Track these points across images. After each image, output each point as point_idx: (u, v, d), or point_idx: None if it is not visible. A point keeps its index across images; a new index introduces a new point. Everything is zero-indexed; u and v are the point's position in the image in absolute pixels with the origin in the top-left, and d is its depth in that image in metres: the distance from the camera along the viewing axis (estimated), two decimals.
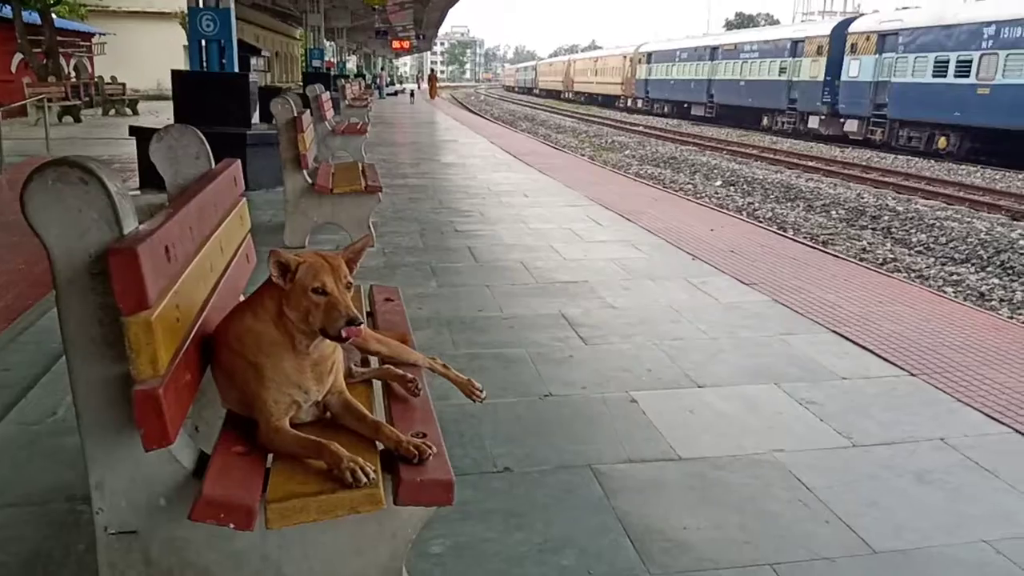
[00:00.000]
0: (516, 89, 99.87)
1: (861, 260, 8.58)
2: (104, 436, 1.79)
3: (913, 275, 9.16)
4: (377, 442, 1.96)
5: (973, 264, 9.99)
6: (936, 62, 22.86)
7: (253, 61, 15.35)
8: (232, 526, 1.71)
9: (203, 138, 2.71)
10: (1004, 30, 20.40)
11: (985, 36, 20.98)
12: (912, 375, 3.92)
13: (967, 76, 21.71)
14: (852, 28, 27.63)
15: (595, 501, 2.78)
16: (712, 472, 2.98)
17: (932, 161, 22.21)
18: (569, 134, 30.18)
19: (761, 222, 10.82)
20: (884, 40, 25.52)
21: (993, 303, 8.04)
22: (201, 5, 9.80)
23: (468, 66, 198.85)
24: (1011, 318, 6.68)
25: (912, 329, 4.60)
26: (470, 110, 42.37)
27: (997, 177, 19.01)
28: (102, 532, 1.84)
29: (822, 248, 7.40)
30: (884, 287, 5.58)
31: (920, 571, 2.41)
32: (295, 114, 6.37)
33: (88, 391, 1.76)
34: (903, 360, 4.10)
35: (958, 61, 22.03)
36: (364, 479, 1.76)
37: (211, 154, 2.72)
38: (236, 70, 10.17)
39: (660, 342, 4.36)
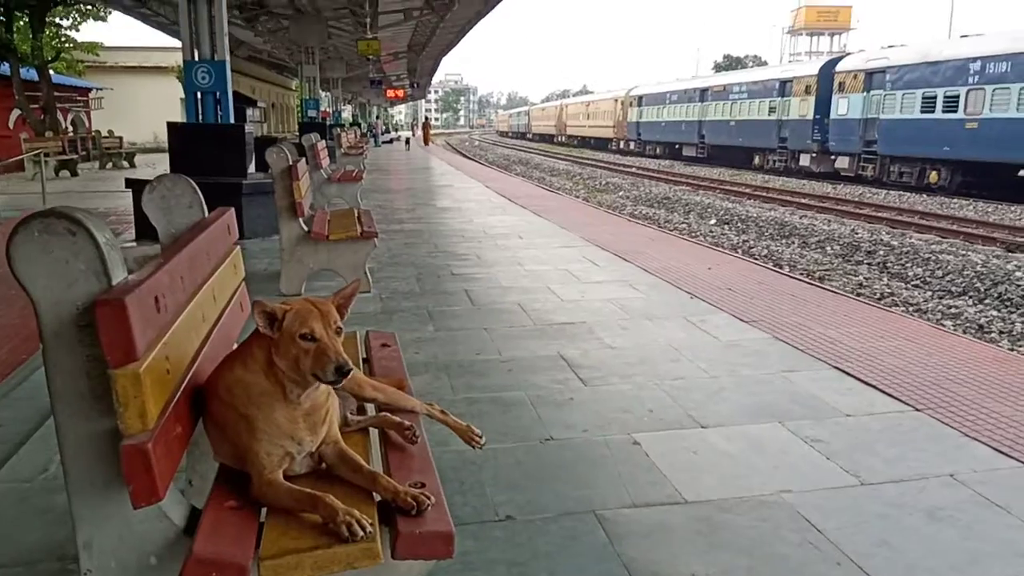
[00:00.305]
0: (510, 134, 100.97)
1: (858, 295, 8.57)
2: (92, 493, 1.73)
3: (911, 309, 9.13)
4: (374, 493, 1.90)
5: (971, 297, 9.98)
6: (924, 98, 23.17)
7: (249, 112, 15.50)
8: None
9: (196, 187, 2.70)
10: (989, 65, 20.72)
11: (971, 72, 21.30)
12: (917, 410, 3.87)
13: (955, 111, 21.99)
14: (839, 67, 28.06)
15: (599, 548, 2.71)
16: (719, 515, 2.91)
17: (924, 196, 22.38)
18: (563, 176, 30.41)
19: (757, 259, 10.83)
20: (871, 78, 25.90)
21: (993, 335, 8.01)
22: (196, 58, 9.90)
23: (462, 112, 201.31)
24: (1012, 350, 6.64)
25: (915, 364, 4.56)
26: (465, 155, 42.74)
27: (990, 210, 19.14)
28: None
29: (819, 284, 7.38)
30: (884, 322, 5.55)
31: None
32: (291, 162, 6.39)
33: (76, 446, 1.71)
34: (907, 395, 4.05)
35: (945, 96, 22.33)
36: (361, 532, 1.70)
37: (204, 203, 2.71)
38: (232, 121, 10.24)
39: (661, 382, 4.31)
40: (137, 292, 1.66)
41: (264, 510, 1.89)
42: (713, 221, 17.60)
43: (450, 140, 78.44)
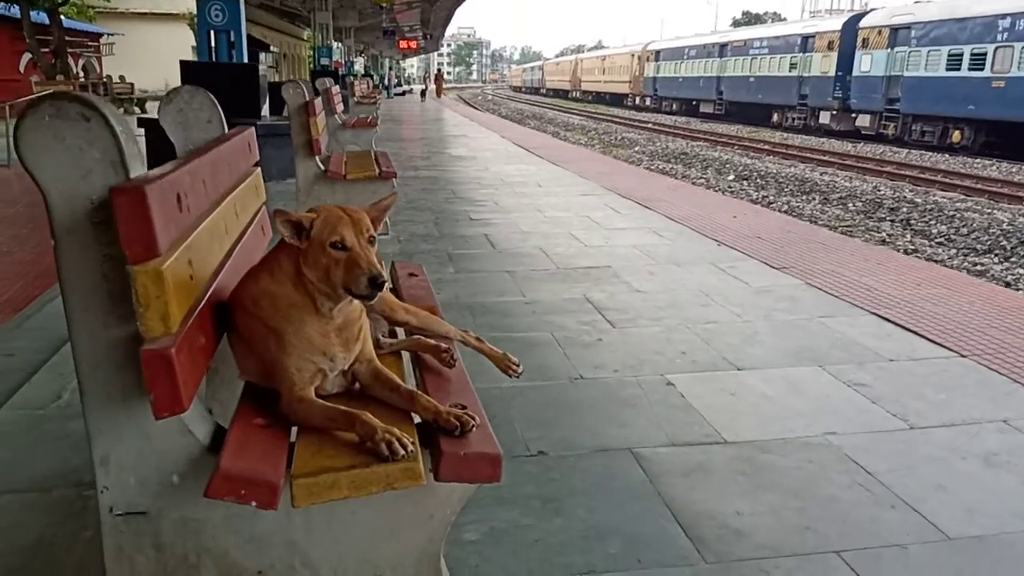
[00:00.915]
0: (523, 89, 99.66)
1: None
2: (110, 406, 1.60)
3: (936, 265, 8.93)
4: (413, 414, 1.76)
5: (996, 254, 9.76)
6: (950, 55, 22.57)
7: (262, 56, 15.19)
8: (254, 504, 1.51)
9: (215, 101, 2.53)
10: (1020, 22, 20.11)
11: (1000, 28, 20.70)
12: (963, 356, 3.71)
13: (981, 69, 21.43)
14: (863, 23, 27.35)
15: (638, 486, 2.58)
16: (761, 456, 2.78)
17: (946, 155, 21.92)
18: (578, 131, 29.96)
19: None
20: (896, 34, 25.24)
21: (1021, 292, 7.81)
22: None
23: (475, 67, 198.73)
24: None
25: (956, 311, 4.39)
26: (478, 108, 42.20)
27: (1014, 170, 18.72)
28: (107, 513, 1.65)
29: (850, 235, 7.17)
30: (920, 271, 5.37)
31: (1000, 558, 2.21)
32: (307, 98, 6.19)
33: (92, 355, 1.57)
34: (951, 341, 3.88)
35: (972, 54, 21.74)
36: (401, 451, 1.56)
37: (224, 119, 2.54)
38: (246, 62, 10.01)
39: (692, 325, 4.16)
40: (159, 184, 1.50)
41: (295, 430, 1.75)
42: (732, 177, 17.29)
43: (462, 94, 77.50)
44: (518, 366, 2.30)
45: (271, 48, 22.42)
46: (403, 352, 2.20)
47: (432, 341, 2.12)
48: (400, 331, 2.30)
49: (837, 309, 4.44)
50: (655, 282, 5.03)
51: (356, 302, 1.83)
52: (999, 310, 4.42)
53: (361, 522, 1.68)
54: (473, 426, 1.67)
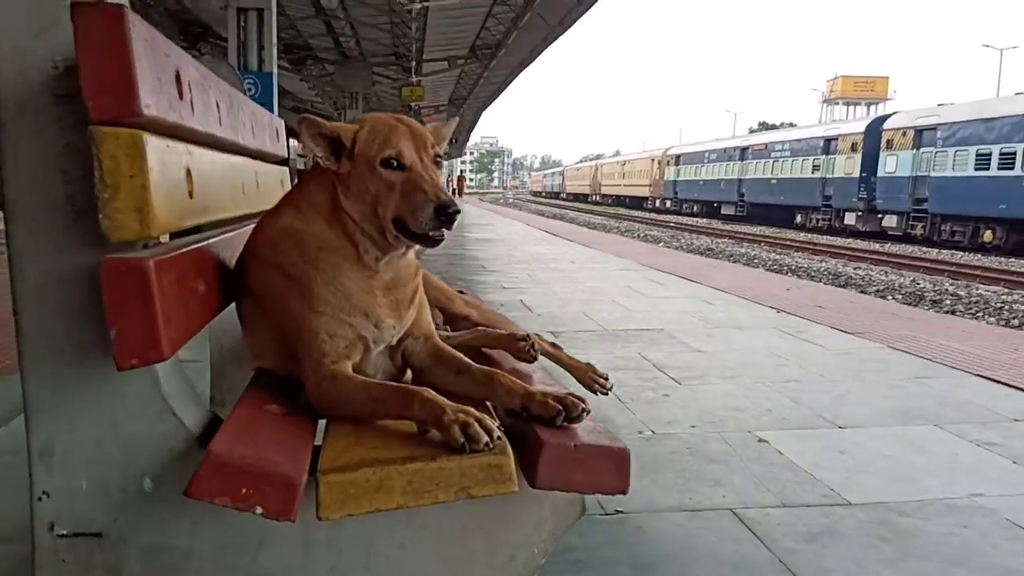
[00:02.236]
0: (544, 194, 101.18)
1: None
2: (59, 370, 1.10)
3: None
4: (492, 404, 1.25)
5: None
6: (978, 155, 22.43)
7: (292, 143, 15.20)
8: (259, 511, 0.98)
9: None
10: None
11: None
12: None
13: (1011, 168, 21.20)
14: (887, 124, 27.47)
15: (750, 551, 2.00)
16: (900, 520, 2.19)
17: (978, 255, 21.44)
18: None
19: None
20: (921, 135, 25.24)
21: None
22: (243, 69, 9.56)
23: (496, 174, 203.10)
24: None
25: None
26: (499, 204, 42.54)
27: None
28: (45, 533, 1.12)
29: (916, 305, 6.63)
30: (1011, 338, 4.80)
31: None
32: None
33: (39, 293, 1.09)
34: None
35: (1002, 153, 21.58)
36: (485, 437, 1.04)
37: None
38: None
39: (771, 384, 3.60)
40: (148, 31, 1.05)
41: (321, 425, 1.24)
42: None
43: (483, 199, 78.65)
44: (607, 379, 1.78)
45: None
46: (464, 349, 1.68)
47: (504, 331, 1.61)
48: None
49: (934, 371, 3.88)
50: (716, 344, 4.49)
51: (411, 255, 1.34)
52: None
53: (409, 563, 1.14)
54: (584, 411, 1.14)
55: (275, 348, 1.34)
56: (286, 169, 2.49)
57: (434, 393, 1.13)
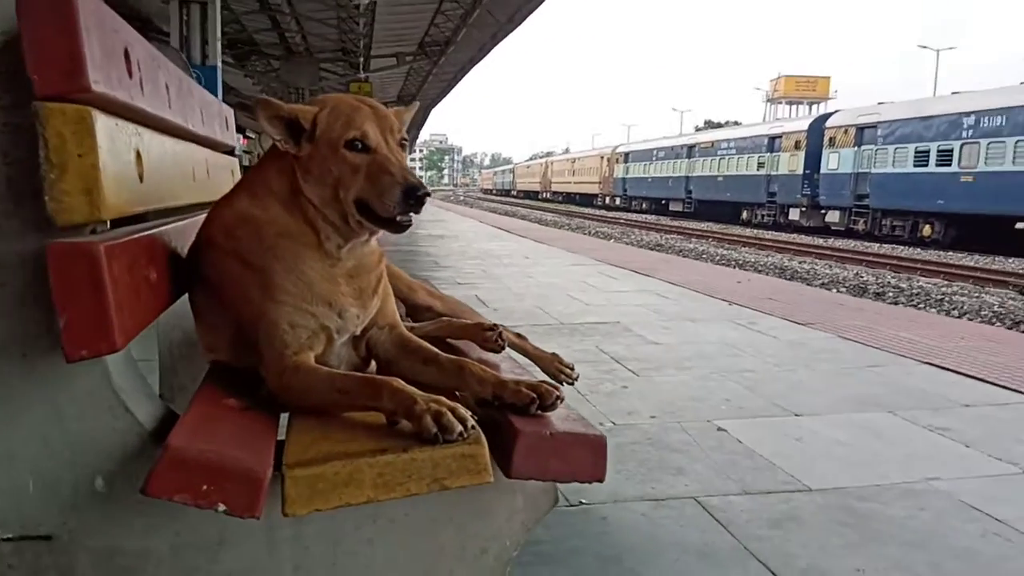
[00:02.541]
0: (494, 191, 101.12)
1: None
2: (2, 362, 1.03)
3: None
4: (461, 393, 1.21)
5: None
6: (917, 152, 23.07)
7: (238, 137, 14.89)
8: (221, 508, 0.93)
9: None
10: (984, 119, 20.67)
11: (965, 126, 21.24)
12: None
13: (949, 165, 21.86)
14: (830, 123, 28.07)
15: (715, 538, 2.00)
16: (860, 504, 2.21)
17: (918, 249, 22.07)
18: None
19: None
20: (863, 133, 25.86)
21: None
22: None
23: (446, 171, 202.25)
24: None
25: (1014, 360, 3.92)
26: (451, 202, 42.39)
27: (987, 261, 18.79)
28: None
29: (864, 297, 6.78)
30: (956, 327, 4.94)
31: None
32: None
33: None
34: None
35: (939, 150, 22.23)
36: (458, 427, 1.00)
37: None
38: None
39: (727, 374, 3.63)
40: (98, 14, 0.99)
41: (284, 417, 1.19)
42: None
43: (434, 196, 78.28)
44: (572, 369, 1.76)
45: (247, 132, 22.29)
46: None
47: (469, 321, 1.58)
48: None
49: (885, 359, 3.95)
50: (672, 336, 4.52)
51: (374, 242, 1.30)
52: None
53: (378, 559, 1.10)
54: (558, 398, 1.12)
55: (232, 340, 1.28)
56: (236, 159, 2.41)
57: (403, 383, 1.08)
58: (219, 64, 9.46)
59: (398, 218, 1.18)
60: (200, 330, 1.35)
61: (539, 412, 1.11)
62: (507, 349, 1.60)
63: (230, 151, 2.42)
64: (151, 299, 1.13)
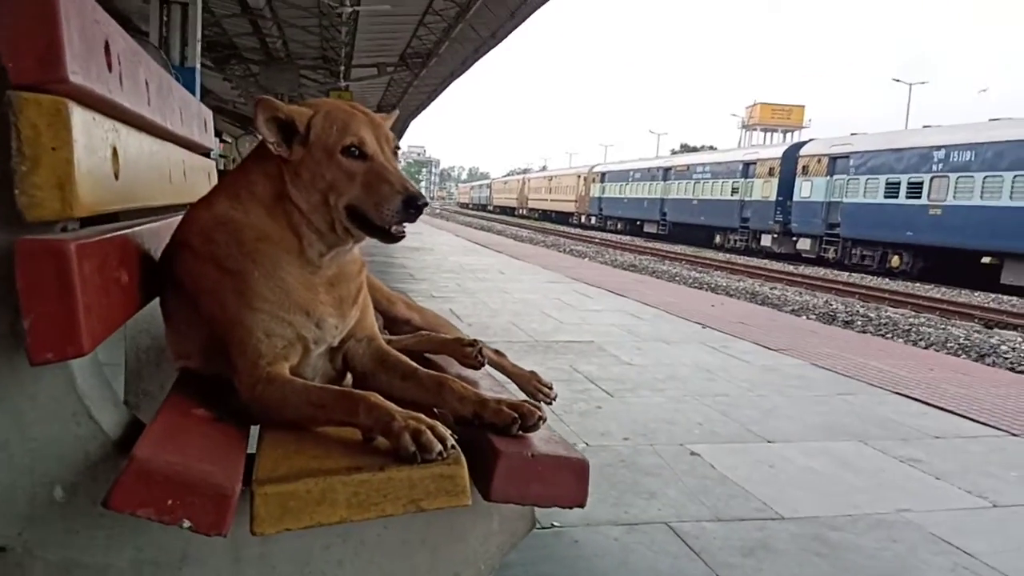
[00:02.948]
0: (471, 206, 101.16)
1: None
2: None
3: None
4: (440, 411, 1.17)
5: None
6: (887, 183, 23.44)
7: (215, 141, 14.74)
8: (187, 524, 0.89)
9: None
10: (953, 154, 21.08)
11: (935, 159, 21.64)
12: (1015, 435, 3.24)
13: (918, 197, 22.24)
14: (803, 151, 28.47)
15: (686, 565, 1.98)
16: (832, 534, 2.20)
17: (887, 279, 22.38)
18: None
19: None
20: (835, 162, 26.25)
21: None
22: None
23: (423, 184, 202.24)
24: None
25: (981, 393, 3.96)
26: (427, 215, 42.29)
27: (954, 294, 19.11)
28: None
29: (836, 325, 6.84)
30: (924, 358, 4.99)
31: None
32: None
33: None
34: (996, 420, 3.43)
35: (909, 183, 22.61)
36: (438, 446, 0.97)
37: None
38: None
39: (701, 398, 3.62)
40: (78, 1, 0.95)
41: (255, 430, 1.15)
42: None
43: None
44: (551, 388, 1.73)
45: (223, 137, 22.04)
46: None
47: (448, 336, 1.54)
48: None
49: (856, 388, 3.97)
50: (646, 357, 4.51)
51: (356, 251, 1.26)
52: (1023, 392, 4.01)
53: (359, 570, 1.06)
54: (540, 419, 1.09)
55: (203, 347, 1.24)
56: (213, 162, 2.37)
57: (381, 398, 1.05)
58: (198, 66, 9.36)
59: (393, 228, 1.15)
60: (170, 336, 1.30)
61: (520, 433, 1.08)
62: (495, 360, 1.57)
63: (207, 153, 2.37)
64: (121, 302, 1.08)
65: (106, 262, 1.01)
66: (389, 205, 1.13)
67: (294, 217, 1.19)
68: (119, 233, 1.09)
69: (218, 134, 19.38)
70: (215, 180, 2.30)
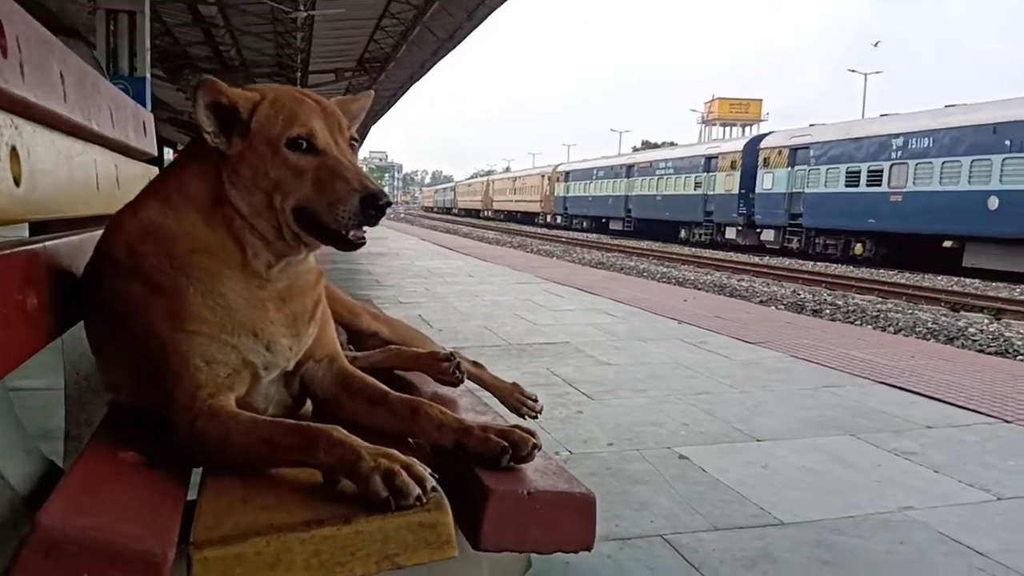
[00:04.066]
0: (435, 209, 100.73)
1: None
2: None
3: None
4: (415, 440, 1.01)
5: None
6: (848, 172, 23.68)
7: (168, 153, 14.38)
8: None
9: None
10: (911, 141, 21.34)
11: (894, 147, 21.89)
12: (1007, 422, 3.16)
13: (879, 184, 22.48)
14: (764, 143, 28.69)
15: None
16: (837, 539, 2.08)
17: (850, 267, 22.59)
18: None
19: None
20: (795, 153, 26.47)
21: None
22: (113, 74, 8.91)
23: (387, 189, 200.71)
24: None
25: (967, 379, 3.89)
26: (391, 219, 41.97)
27: (918, 279, 19.34)
28: None
29: (812, 315, 6.78)
30: (905, 345, 4.93)
31: None
32: None
33: None
34: (986, 407, 3.34)
35: (869, 171, 22.85)
36: (415, 490, 0.81)
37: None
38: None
39: (684, 397, 3.50)
40: None
41: (196, 476, 0.97)
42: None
43: None
44: (536, 401, 1.58)
45: (178, 147, 21.56)
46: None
47: (421, 350, 1.38)
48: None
49: (840, 379, 3.88)
50: (623, 356, 4.38)
51: (311, 259, 1.10)
52: (1014, 378, 3.94)
53: None
54: (535, 447, 0.93)
55: (134, 377, 1.06)
56: (155, 168, 2.17)
57: (344, 432, 0.89)
58: (148, 75, 9.07)
59: (351, 233, 0.98)
60: (99, 364, 1.12)
61: (512, 464, 0.92)
62: (474, 372, 1.41)
63: (152, 160, 2.18)
64: (28, 330, 0.90)
65: (5, 285, 0.84)
66: (344, 205, 0.96)
67: (235, 223, 1.02)
68: (22, 249, 0.92)
69: (172, 144, 18.93)
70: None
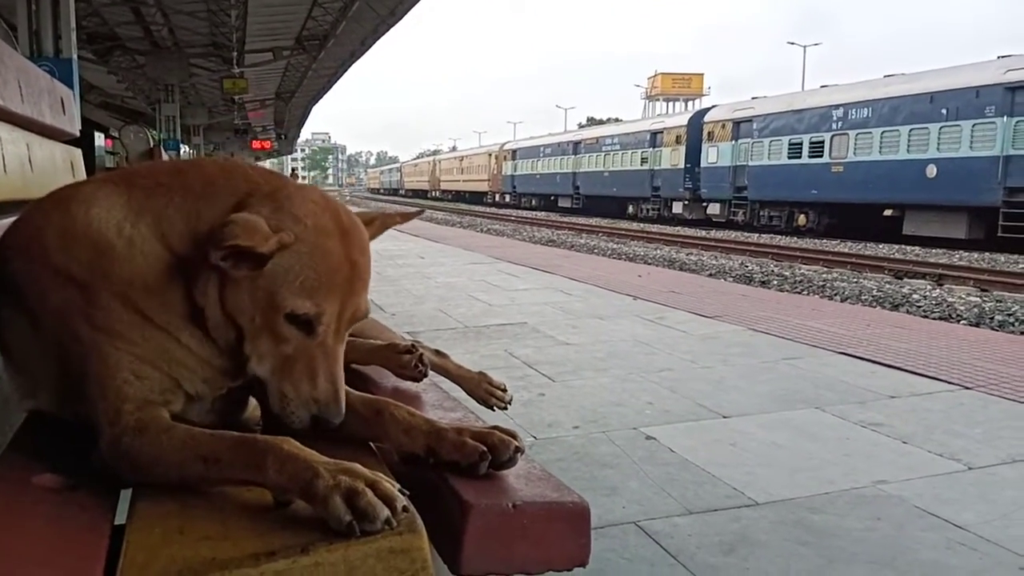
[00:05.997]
0: (381, 191, 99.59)
1: None
2: None
3: None
4: (379, 446, 0.89)
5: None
6: (790, 144, 23.99)
7: (98, 137, 13.75)
8: None
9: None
10: (851, 112, 21.69)
11: (835, 118, 22.23)
12: (967, 388, 3.16)
13: (820, 156, 22.84)
14: (708, 117, 28.90)
15: (667, 572, 1.76)
16: (814, 518, 2.02)
17: (795, 238, 22.97)
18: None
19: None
20: (739, 127, 26.72)
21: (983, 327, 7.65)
22: (38, 54, 8.45)
23: (331, 171, 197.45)
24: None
25: (924, 347, 3.91)
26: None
27: (860, 248, 19.74)
28: None
29: (764, 287, 6.82)
30: (861, 313, 4.96)
31: None
32: (151, 144, 5.21)
33: None
34: (946, 375, 3.35)
35: (811, 142, 23.18)
36: (384, 512, 0.69)
37: None
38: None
39: (646, 375, 3.43)
40: None
41: (125, 497, 0.84)
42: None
43: None
44: (505, 391, 1.47)
45: (110, 131, 20.73)
46: None
47: (379, 341, 1.26)
48: None
49: (800, 351, 3.86)
50: (582, 335, 4.30)
51: None
52: (964, 343, 3.98)
53: None
54: (517, 450, 0.82)
55: (54, 382, 0.92)
56: (78, 151, 2.00)
57: (296, 444, 0.76)
58: (75, 56, 8.64)
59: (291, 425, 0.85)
60: (10, 366, 0.97)
61: (492, 472, 0.81)
62: (437, 362, 1.29)
63: (72, 140, 2.00)
64: None
65: None
66: (294, 409, 0.84)
67: (196, 306, 0.86)
68: None
69: (104, 130, 18.18)
70: (81, 173, 1.94)
